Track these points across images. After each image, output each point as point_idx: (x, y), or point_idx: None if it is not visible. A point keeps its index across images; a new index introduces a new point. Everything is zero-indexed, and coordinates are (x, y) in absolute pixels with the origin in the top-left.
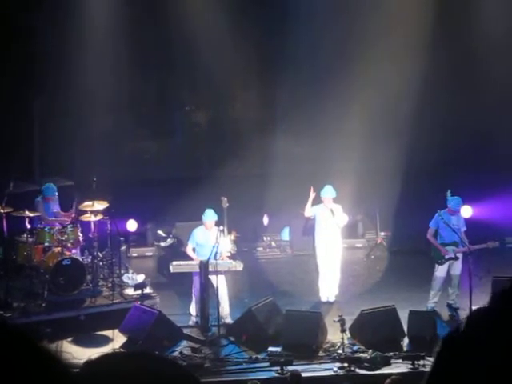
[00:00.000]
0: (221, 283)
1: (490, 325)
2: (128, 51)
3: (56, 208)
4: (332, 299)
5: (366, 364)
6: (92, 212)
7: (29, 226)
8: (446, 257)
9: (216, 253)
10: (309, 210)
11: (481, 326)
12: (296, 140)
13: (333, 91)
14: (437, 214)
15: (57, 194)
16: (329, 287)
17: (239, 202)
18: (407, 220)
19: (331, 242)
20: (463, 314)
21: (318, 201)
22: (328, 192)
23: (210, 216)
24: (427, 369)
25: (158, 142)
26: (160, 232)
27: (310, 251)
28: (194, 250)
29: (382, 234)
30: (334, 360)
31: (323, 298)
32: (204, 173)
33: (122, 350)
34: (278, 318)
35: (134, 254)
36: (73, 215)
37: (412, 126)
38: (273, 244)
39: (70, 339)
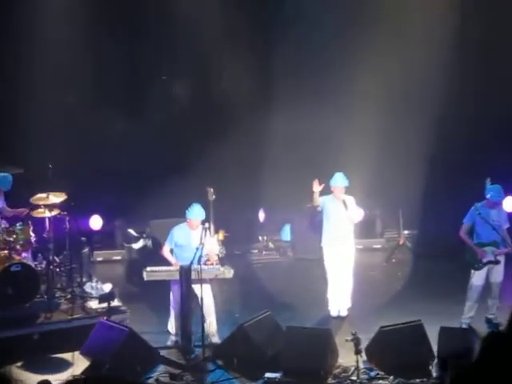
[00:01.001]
0: (206, 294)
1: None
2: (91, 14)
3: (0, 203)
4: (344, 313)
5: None
6: (46, 206)
7: None
8: (484, 260)
9: (200, 256)
10: (317, 199)
11: None
12: (297, 118)
13: (341, 58)
14: (473, 208)
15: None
16: (340, 298)
17: (228, 193)
18: (436, 215)
19: (342, 241)
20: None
21: (325, 191)
22: (338, 180)
23: (196, 213)
24: None
25: (128, 122)
26: (131, 231)
27: (317, 254)
28: (171, 252)
29: (406, 232)
30: None
31: (333, 312)
32: (185, 159)
33: (83, 376)
34: (276, 336)
35: (99, 259)
36: (25, 212)
37: (440, 101)
38: (270, 245)
39: (20, 363)
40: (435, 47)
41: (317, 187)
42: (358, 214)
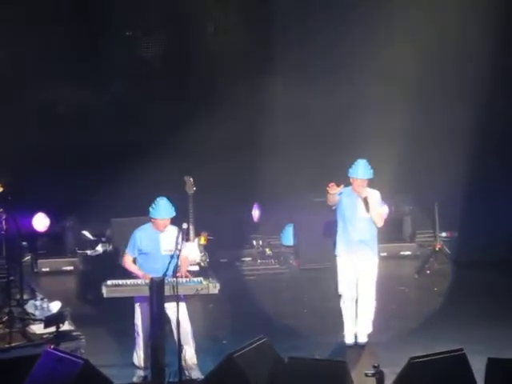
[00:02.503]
0: (183, 315)
1: None
2: None
3: None
4: (363, 340)
5: None
6: None
7: None
8: None
9: (176, 266)
10: (333, 199)
11: None
12: (304, 89)
13: (363, 14)
14: None
15: None
16: (357, 321)
17: (213, 184)
18: (483, 214)
19: (361, 248)
20: None
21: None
22: (360, 170)
23: (163, 211)
24: None
25: (82, 92)
26: (86, 233)
27: (328, 262)
28: (135, 261)
29: (443, 235)
30: None
31: (348, 339)
32: (157, 138)
33: None
34: (275, 370)
35: (45, 269)
36: None
37: (485, 75)
38: (268, 252)
39: None
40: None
41: (334, 190)
42: (381, 215)
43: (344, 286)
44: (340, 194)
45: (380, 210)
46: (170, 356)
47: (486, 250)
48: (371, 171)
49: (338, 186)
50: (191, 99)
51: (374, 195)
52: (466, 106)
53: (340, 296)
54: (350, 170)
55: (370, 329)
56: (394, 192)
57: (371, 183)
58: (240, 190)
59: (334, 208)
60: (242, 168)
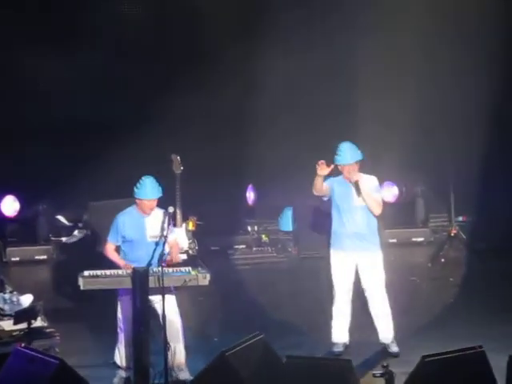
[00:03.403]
0: (170, 309)
1: None
2: None
3: None
4: (395, 350)
5: None
6: None
7: None
8: None
9: (162, 254)
10: (320, 185)
11: None
12: (304, 55)
13: None
14: None
15: None
16: (380, 334)
17: (203, 163)
18: (502, 195)
19: (359, 243)
20: None
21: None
22: (346, 155)
23: (149, 191)
24: None
25: (54, 60)
26: (61, 218)
27: (327, 251)
28: (118, 249)
29: (460, 219)
30: None
31: (336, 347)
32: (139, 113)
33: None
34: (272, 370)
35: (15, 258)
36: None
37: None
38: (264, 239)
39: None
40: None
41: (323, 170)
42: (377, 201)
43: (337, 286)
44: (328, 179)
45: (375, 196)
46: (156, 355)
47: (505, 236)
48: (359, 152)
49: (328, 165)
50: (176, 69)
51: (369, 180)
52: (486, 81)
53: (333, 296)
54: (336, 157)
55: (391, 332)
56: (405, 171)
57: (372, 167)
58: (233, 169)
59: (325, 199)
60: (236, 145)
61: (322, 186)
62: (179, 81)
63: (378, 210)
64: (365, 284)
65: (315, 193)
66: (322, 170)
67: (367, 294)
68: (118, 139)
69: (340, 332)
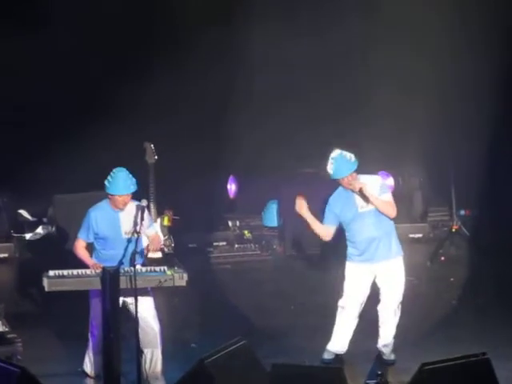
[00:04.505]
0: (147, 312)
1: None
2: None
3: None
4: (391, 357)
5: None
6: None
7: None
8: None
9: (135, 253)
10: (323, 230)
11: None
12: (289, 34)
13: None
14: None
15: None
16: (380, 338)
17: (179, 151)
18: (507, 188)
19: (374, 247)
20: None
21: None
22: (342, 168)
23: (122, 185)
24: None
25: (17, 41)
26: (23, 213)
27: (318, 249)
28: (89, 247)
29: (462, 213)
30: None
31: (327, 354)
32: (111, 97)
33: None
34: (255, 379)
35: None
36: None
37: None
38: (246, 235)
39: None
40: None
41: (301, 205)
42: (389, 202)
43: (349, 298)
44: (327, 207)
45: (384, 198)
46: (128, 363)
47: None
48: (353, 161)
49: (302, 196)
50: (151, 51)
51: (374, 182)
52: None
53: (339, 307)
54: (330, 171)
55: (390, 338)
56: (402, 161)
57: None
58: (213, 158)
59: (327, 239)
60: (215, 132)
61: (320, 227)
62: (153, 67)
63: (392, 212)
64: (383, 293)
65: (324, 238)
66: (301, 207)
67: (381, 303)
68: (87, 126)
69: (340, 343)
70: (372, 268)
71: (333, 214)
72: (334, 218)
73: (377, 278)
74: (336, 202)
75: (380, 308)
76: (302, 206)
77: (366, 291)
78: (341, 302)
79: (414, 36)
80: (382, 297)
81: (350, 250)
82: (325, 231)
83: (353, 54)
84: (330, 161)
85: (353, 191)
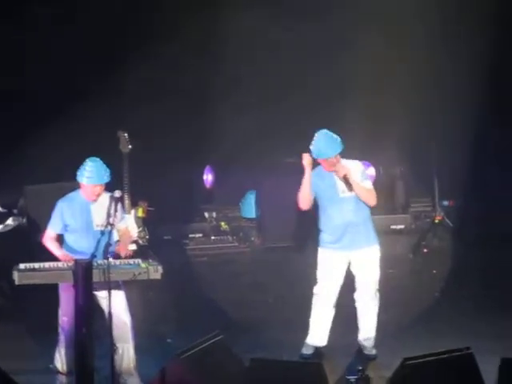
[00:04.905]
0: (119, 306)
1: None
2: None
3: None
4: (372, 352)
5: None
6: None
7: None
8: None
9: (108, 245)
10: (309, 190)
11: None
12: (271, 16)
13: None
14: None
15: None
16: (361, 332)
17: (154, 140)
18: (493, 177)
19: (351, 234)
20: None
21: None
22: (325, 147)
23: (96, 174)
24: None
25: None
26: None
27: (298, 241)
28: (59, 239)
29: (445, 204)
30: None
31: (306, 349)
32: (83, 84)
33: None
34: (233, 374)
35: None
36: None
37: None
38: (223, 226)
39: None
40: None
41: (308, 160)
42: (370, 190)
43: (323, 286)
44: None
45: (366, 184)
46: (101, 358)
47: (498, 223)
48: (339, 141)
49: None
50: (127, 38)
51: (356, 168)
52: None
53: (314, 295)
54: (314, 150)
55: (372, 333)
56: (382, 150)
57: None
58: (188, 147)
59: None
60: (191, 120)
61: (310, 191)
62: (129, 54)
63: (373, 200)
64: (358, 281)
65: (302, 205)
66: (307, 160)
67: (357, 291)
68: (60, 115)
69: (318, 335)
70: (347, 256)
71: (313, 186)
72: (314, 190)
73: (352, 265)
74: (317, 181)
75: (357, 297)
76: (308, 159)
77: (340, 279)
78: (315, 289)
79: (390, 25)
80: (358, 285)
81: (324, 237)
82: (309, 197)
83: (337, 44)
84: (315, 139)
85: (334, 173)
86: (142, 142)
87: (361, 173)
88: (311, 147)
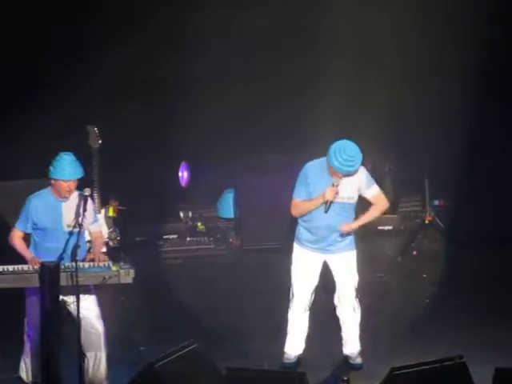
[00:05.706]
0: (90, 312)
1: None
2: None
3: None
4: (358, 361)
5: None
6: None
7: None
8: None
9: (77, 246)
10: (306, 212)
11: None
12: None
13: None
14: None
15: None
16: (345, 341)
17: (125, 135)
18: (485, 176)
19: (331, 238)
20: None
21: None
22: (346, 163)
23: (69, 170)
24: None
25: None
26: None
27: (279, 243)
28: (27, 238)
29: (436, 203)
30: None
31: (287, 357)
32: (52, 74)
33: None
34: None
35: None
36: None
37: None
38: (200, 227)
39: None
40: None
41: (332, 194)
42: (380, 197)
43: (298, 289)
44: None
45: (374, 189)
46: (69, 368)
47: (491, 224)
48: (360, 156)
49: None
50: (96, 31)
51: (360, 176)
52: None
53: (290, 298)
54: (330, 159)
55: (358, 346)
56: (370, 146)
57: None
58: (162, 143)
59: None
60: (165, 114)
61: (300, 203)
62: (98, 47)
63: (385, 206)
64: (338, 287)
65: (297, 216)
66: (332, 194)
67: (337, 297)
68: (27, 108)
69: (295, 342)
70: (324, 258)
71: (305, 185)
72: (305, 191)
73: (331, 269)
74: (318, 175)
75: (337, 303)
76: (333, 193)
77: (315, 279)
78: (291, 291)
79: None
80: (338, 289)
81: (304, 235)
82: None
83: (311, 32)
84: (331, 148)
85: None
86: (112, 137)
87: (365, 177)
88: (330, 159)
